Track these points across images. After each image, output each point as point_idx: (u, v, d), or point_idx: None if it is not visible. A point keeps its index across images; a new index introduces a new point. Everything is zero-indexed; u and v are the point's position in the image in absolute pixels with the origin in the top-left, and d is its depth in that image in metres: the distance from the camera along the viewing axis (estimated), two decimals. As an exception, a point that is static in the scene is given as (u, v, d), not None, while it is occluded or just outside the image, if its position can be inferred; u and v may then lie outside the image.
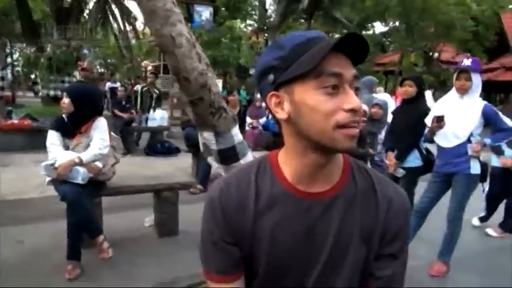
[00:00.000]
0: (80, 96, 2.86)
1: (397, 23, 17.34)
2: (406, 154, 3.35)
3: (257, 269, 0.85)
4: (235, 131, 2.23)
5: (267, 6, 17.00)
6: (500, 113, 2.90)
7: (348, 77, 0.74)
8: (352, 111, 0.72)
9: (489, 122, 2.90)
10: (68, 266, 2.65)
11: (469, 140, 2.90)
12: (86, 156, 2.78)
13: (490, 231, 4.01)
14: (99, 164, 2.88)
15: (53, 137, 2.85)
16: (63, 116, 2.92)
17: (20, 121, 7.10)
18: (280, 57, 0.76)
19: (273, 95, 0.79)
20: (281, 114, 0.78)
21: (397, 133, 3.45)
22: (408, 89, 3.36)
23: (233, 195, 0.84)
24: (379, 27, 22.07)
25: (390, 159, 3.41)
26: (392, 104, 5.14)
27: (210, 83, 2.03)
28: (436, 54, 15.44)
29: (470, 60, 2.92)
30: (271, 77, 0.78)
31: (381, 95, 4.35)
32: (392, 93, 11.00)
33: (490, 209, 4.18)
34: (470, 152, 2.89)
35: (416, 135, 3.32)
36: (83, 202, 2.69)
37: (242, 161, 2.25)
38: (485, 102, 2.88)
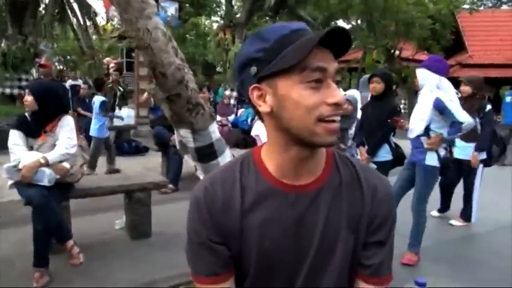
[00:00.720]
0: (44, 94, 2.71)
1: (359, 21, 17.72)
2: (377, 149, 3.43)
3: (247, 268, 0.84)
4: (213, 128, 2.18)
5: (233, 2, 16.86)
6: (450, 107, 2.96)
7: (331, 71, 0.73)
8: (335, 105, 0.72)
9: (442, 115, 3.03)
10: (35, 274, 2.51)
11: (428, 134, 3.04)
12: (52, 156, 2.63)
13: (453, 221, 4.21)
14: (66, 165, 2.74)
15: (15, 137, 2.67)
16: (26, 114, 2.76)
17: (-27, 121, 6.66)
18: (263, 49, 0.74)
19: (255, 88, 0.77)
20: (264, 108, 0.76)
21: (367, 129, 3.53)
22: (376, 86, 3.44)
23: (218, 193, 0.82)
24: (342, 25, 22.56)
25: (362, 154, 3.49)
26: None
27: (187, 79, 1.97)
28: (397, 52, 15.92)
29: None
30: (253, 69, 0.75)
31: (351, 91, 4.41)
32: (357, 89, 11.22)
33: (445, 198, 4.41)
34: (425, 145, 3.02)
35: (386, 130, 3.41)
36: (50, 205, 2.54)
37: (220, 159, 2.21)
38: (436, 96, 2.99)
